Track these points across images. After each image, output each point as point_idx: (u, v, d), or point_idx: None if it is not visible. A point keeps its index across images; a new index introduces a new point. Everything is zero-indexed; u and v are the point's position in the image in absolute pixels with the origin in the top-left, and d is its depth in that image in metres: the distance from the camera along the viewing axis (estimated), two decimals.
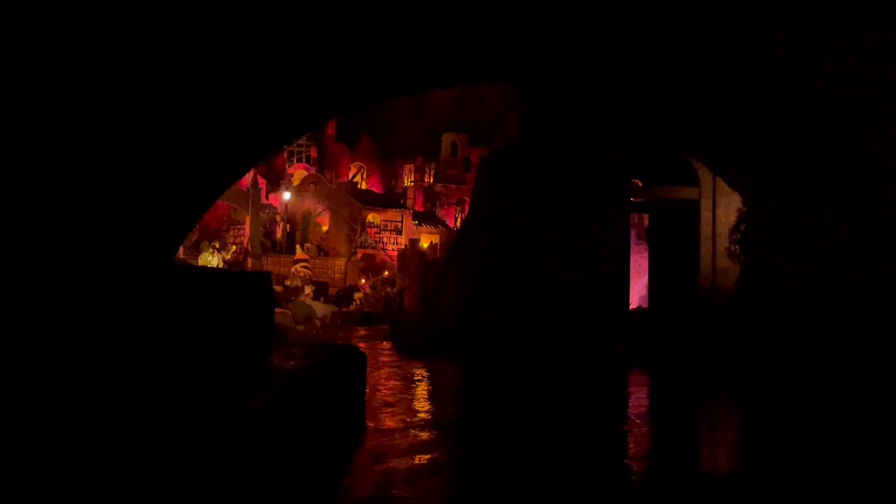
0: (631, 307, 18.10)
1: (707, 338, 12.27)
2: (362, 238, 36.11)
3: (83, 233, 5.65)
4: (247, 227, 32.62)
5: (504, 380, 11.39)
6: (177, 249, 7.26)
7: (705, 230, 16.86)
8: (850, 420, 7.78)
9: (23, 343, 4.65)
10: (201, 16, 5.54)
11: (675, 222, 18.07)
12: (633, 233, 20.14)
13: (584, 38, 7.84)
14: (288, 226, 35.33)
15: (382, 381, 10.82)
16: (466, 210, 30.85)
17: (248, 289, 6.18)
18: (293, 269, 29.27)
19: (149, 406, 4.48)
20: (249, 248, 31.09)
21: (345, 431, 6.43)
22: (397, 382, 10.98)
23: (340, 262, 33.88)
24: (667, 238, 18.63)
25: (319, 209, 36.52)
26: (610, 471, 6.25)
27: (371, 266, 34.63)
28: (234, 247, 31.14)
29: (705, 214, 16.91)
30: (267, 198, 36.47)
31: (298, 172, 40.76)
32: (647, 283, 20.76)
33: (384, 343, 17.12)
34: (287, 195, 35.71)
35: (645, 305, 20.26)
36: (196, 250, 29.36)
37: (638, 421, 8.93)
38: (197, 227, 35.13)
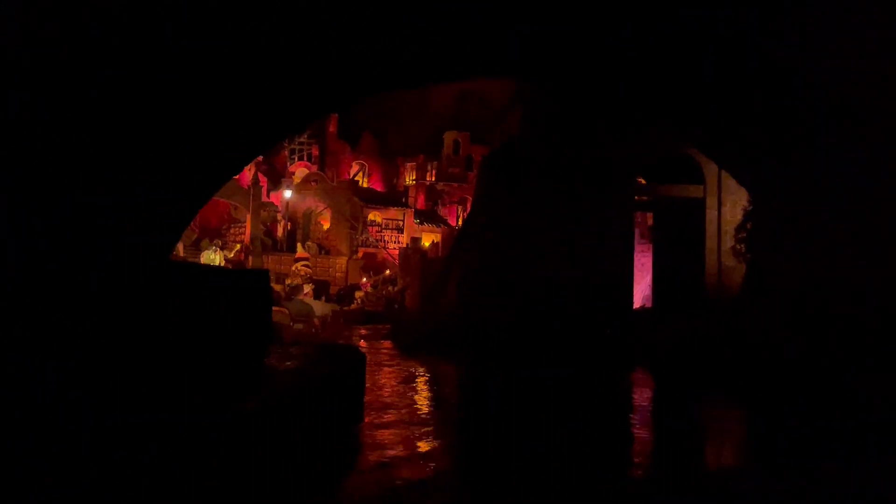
0: (634, 306, 18.03)
1: (712, 337, 12.22)
2: (364, 237, 36.09)
3: (83, 233, 5.64)
4: (247, 225, 32.60)
5: (505, 379, 11.37)
6: (173, 247, 7.25)
7: (710, 228, 16.80)
8: (854, 420, 7.76)
9: (23, 343, 4.65)
10: (201, 16, 5.53)
11: (679, 220, 18.02)
12: (636, 231, 20.06)
13: (585, 38, 7.82)
14: (289, 224, 35.31)
15: (383, 381, 10.79)
16: (468, 209, 30.83)
17: (244, 287, 6.16)
18: (294, 268, 29.26)
19: (141, 406, 4.46)
20: (250, 246, 31.08)
21: (343, 432, 6.41)
22: (398, 382, 10.95)
23: (342, 261, 33.86)
24: (671, 236, 18.59)
25: (321, 207, 36.49)
26: (610, 471, 6.22)
27: (372, 265, 34.60)
28: (238, 245, 31.13)
29: (711, 213, 16.86)
30: (268, 196, 36.43)
31: (300, 171, 40.71)
32: (650, 283, 20.71)
33: (385, 342, 17.07)
34: (288, 193, 35.68)
35: (648, 304, 20.21)
36: (196, 248, 29.36)
37: (639, 421, 8.91)
38: (197, 225, 35.12)
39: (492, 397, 9.98)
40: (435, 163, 42.49)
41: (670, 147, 16.57)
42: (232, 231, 34.76)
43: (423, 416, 8.25)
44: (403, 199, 40.26)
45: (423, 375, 12.04)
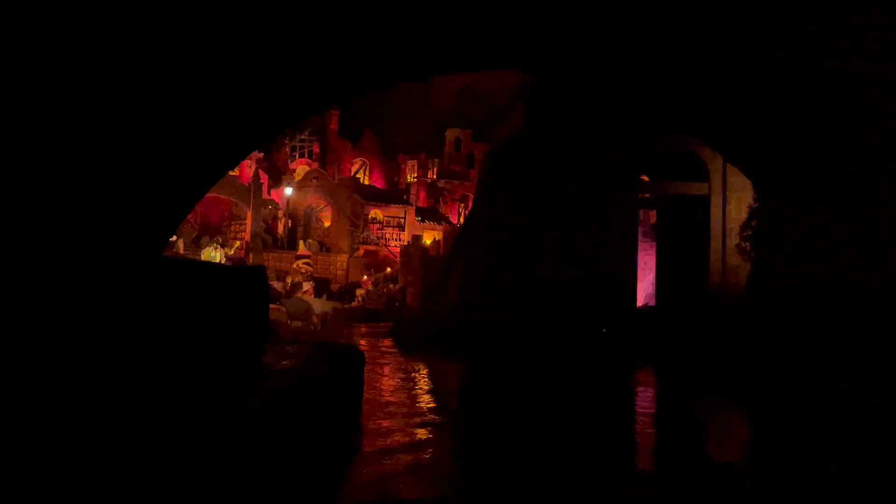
0: (637, 305, 18.00)
1: (715, 336, 12.18)
2: (365, 234, 36.08)
3: (82, 232, 5.62)
4: (248, 222, 32.60)
5: (506, 379, 11.33)
6: (167, 243, 7.21)
7: (715, 226, 16.72)
8: (856, 420, 7.76)
9: (22, 343, 4.64)
10: (202, 16, 5.52)
11: (683, 218, 17.94)
12: (639, 230, 19.98)
13: (585, 38, 7.80)
14: (289, 221, 35.30)
15: (383, 380, 10.76)
16: (470, 206, 30.80)
17: (240, 284, 6.11)
18: (295, 265, 29.26)
19: (137, 406, 4.45)
20: (251, 243, 31.08)
21: (341, 434, 6.39)
22: (398, 382, 10.94)
23: (342, 259, 33.86)
24: (675, 234, 18.52)
25: (321, 205, 36.48)
26: (611, 469, 6.21)
27: (373, 263, 34.59)
28: (238, 242, 31.15)
29: (715, 210, 16.77)
30: (269, 193, 36.43)
31: (301, 168, 40.72)
32: (653, 281, 20.66)
33: (386, 340, 17.06)
34: (289, 191, 35.67)
35: (651, 303, 20.15)
36: (197, 246, 29.38)
37: (641, 421, 8.89)
38: (198, 222, 35.16)
39: (493, 397, 9.95)
40: (436, 160, 42.47)
41: (674, 144, 16.50)
42: (232, 228, 34.77)
43: (424, 416, 8.19)
44: (405, 197, 40.25)
45: (423, 375, 12.02)
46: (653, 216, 22.51)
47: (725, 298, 15.56)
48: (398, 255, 32.18)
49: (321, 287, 26.91)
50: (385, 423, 7.30)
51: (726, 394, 10.41)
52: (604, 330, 14.00)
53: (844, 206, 9.69)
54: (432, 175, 42.34)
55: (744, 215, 15.44)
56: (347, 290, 29.64)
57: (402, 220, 37.70)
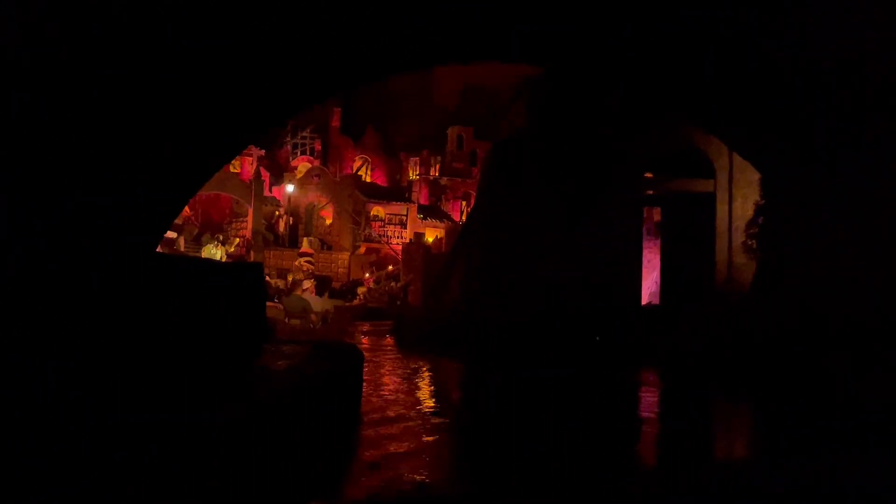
0: (641, 303, 17.90)
1: (721, 335, 12.09)
2: (366, 232, 36.02)
3: (82, 232, 5.59)
4: (249, 219, 32.56)
5: (508, 379, 11.27)
6: (161, 239, 7.15)
7: (721, 224, 16.50)
8: (860, 418, 7.74)
9: (22, 343, 4.62)
10: (201, 16, 5.49)
11: (688, 216, 17.71)
12: (643, 227, 19.84)
13: (587, 37, 7.76)
14: (291, 219, 35.24)
15: (384, 380, 10.71)
16: (472, 204, 30.72)
17: (235, 281, 6.05)
18: (296, 263, 29.22)
19: (131, 405, 4.41)
20: (252, 241, 31.03)
21: (340, 434, 6.32)
22: (399, 381, 10.87)
23: (344, 256, 33.81)
24: (680, 232, 18.31)
25: (323, 202, 36.42)
26: (612, 469, 6.17)
27: (375, 260, 34.53)
28: (237, 240, 31.12)
29: (721, 208, 16.55)
30: (270, 190, 36.38)
31: (302, 165, 40.65)
32: (657, 279, 20.55)
33: (387, 339, 17.02)
34: (290, 188, 35.61)
35: (655, 302, 20.05)
36: (198, 243, 29.35)
37: (644, 420, 8.84)
38: (199, 220, 35.13)
39: (494, 396, 9.89)
40: (438, 158, 42.37)
41: (678, 141, 16.34)
42: (234, 226, 34.74)
43: (425, 415, 8.14)
44: (407, 194, 40.17)
45: (425, 374, 11.96)
46: (657, 214, 22.42)
47: (731, 297, 15.42)
48: (400, 253, 32.11)
49: (323, 285, 26.86)
50: (386, 424, 7.23)
51: (731, 393, 10.33)
52: (597, 338, 13.90)
53: (847, 205, 9.65)
54: (434, 172, 42.24)
55: (750, 213, 15.24)
56: (349, 288, 29.58)
57: (404, 218, 37.63)
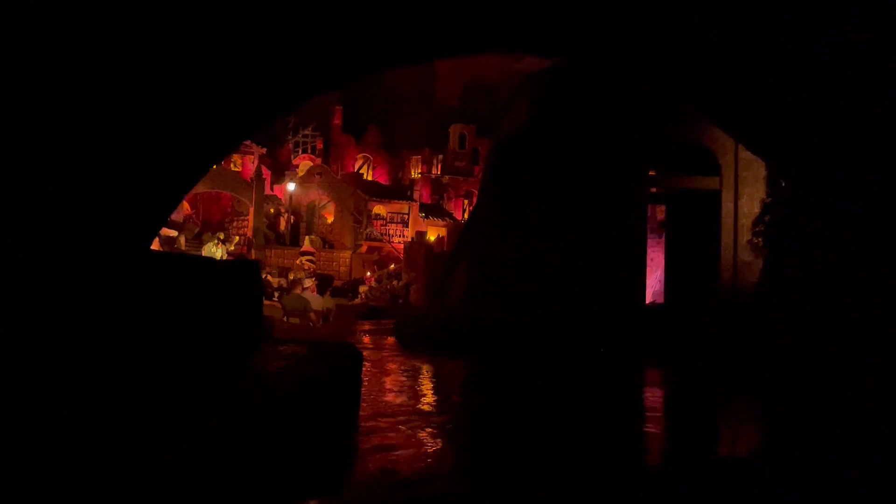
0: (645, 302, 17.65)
1: (727, 334, 11.93)
2: (368, 230, 35.82)
3: (71, 231, 5.39)
4: (250, 218, 32.39)
5: (511, 378, 11.10)
6: (153, 237, 6.99)
7: (727, 222, 16.26)
8: (867, 417, 7.66)
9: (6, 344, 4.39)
10: (194, 6, 5.29)
11: (693, 213, 17.52)
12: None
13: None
14: (292, 217, 35.05)
15: (385, 379, 10.52)
16: (474, 202, 30.50)
17: (229, 279, 5.77)
18: (298, 262, 29.01)
19: (106, 408, 4.16)
20: (253, 239, 30.83)
21: (337, 438, 6.06)
22: (400, 381, 10.68)
23: (345, 255, 33.63)
24: (684, 230, 18.12)
25: (324, 201, 36.23)
26: (618, 466, 6.03)
27: (377, 259, 34.36)
28: (237, 238, 30.90)
29: (727, 205, 16.28)
30: (271, 189, 36.21)
31: (303, 163, 40.50)
32: (660, 278, 20.31)
33: (389, 338, 16.84)
34: (292, 186, 35.42)
35: (659, 301, 19.82)
36: (199, 242, 29.13)
37: (650, 418, 8.73)
38: (200, 218, 34.96)
39: (497, 396, 9.71)
40: (440, 156, 42.19)
41: (684, 137, 16.13)
42: (235, 224, 34.57)
43: (426, 415, 7.93)
44: (408, 193, 39.92)
45: (426, 373, 11.76)
46: (660, 212, 22.16)
47: (737, 296, 15.25)
48: (402, 252, 31.90)
49: (324, 284, 26.61)
50: (387, 424, 7.03)
51: (738, 391, 10.23)
52: (601, 350, 13.67)
53: (857, 202, 9.51)
54: (436, 171, 42.06)
55: (756, 210, 15.08)
56: (351, 287, 29.37)
57: (406, 217, 37.42)
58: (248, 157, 37.89)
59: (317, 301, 16.00)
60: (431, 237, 35.16)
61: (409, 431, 6.78)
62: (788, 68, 8.29)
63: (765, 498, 3.73)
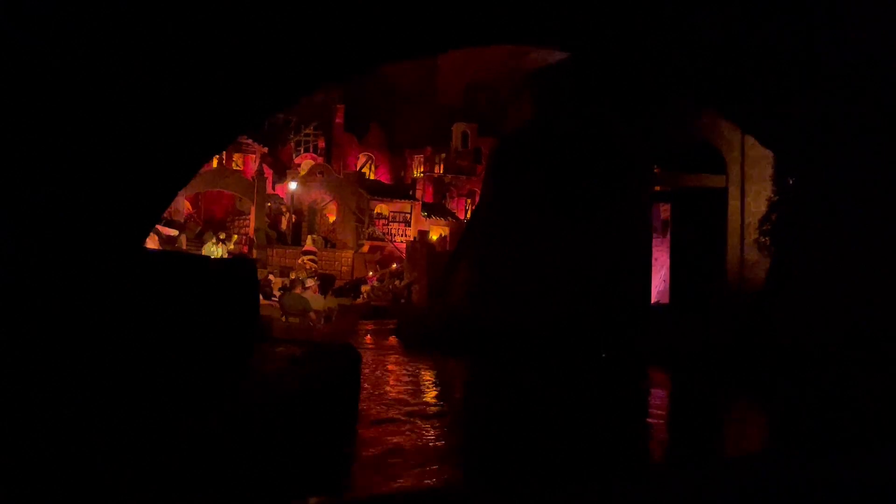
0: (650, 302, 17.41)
1: (734, 334, 11.76)
2: (370, 230, 35.63)
3: (63, 228, 5.26)
4: (252, 217, 32.24)
5: (513, 379, 11.00)
6: (146, 235, 6.88)
7: (733, 220, 16.04)
8: (874, 417, 7.60)
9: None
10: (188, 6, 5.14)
11: (698, 212, 17.28)
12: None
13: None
14: (294, 217, 34.88)
15: (386, 380, 10.41)
16: (477, 202, 30.30)
17: (225, 279, 5.58)
18: (299, 261, 28.84)
19: (95, 410, 4.02)
20: (254, 239, 30.66)
21: (335, 441, 5.87)
22: (401, 382, 10.60)
23: (347, 255, 33.45)
24: (689, 229, 17.87)
25: (326, 200, 36.05)
26: (621, 466, 6.04)
27: (379, 259, 34.19)
28: (235, 237, 30.71)
29: (733, 203, 16.06)
30: (273, 188, 36.07)
31: (305, 162, 40.33)
32: (664, 278, 20.05)
33: (391, 338, 16.72)
34: (293, 185, 35.28)
35: (663, 301, 19.55)
36: (200, 241, 28.97)
37: (653, 419, 8.70)
38: (201, 218, 34.83)
39: (499, 397, 9.61)
40: (443, 155, 41.97)
41: (689, 134, 15.90)
42: (236, 224, 34.43)
43: (428, 416, 7.82)
44: (411, 192, 39.71)
45: (428, 374, 11.65)
46: (664, 210, 21.89)
47: (743, 296, 15.01)
48: (404, 252, 31.71)
49: (325, 283, 26.42)
50: (388, 425, 6.96)
51: (740, 392, 10.19)
52: (602, 354, 13.48)
53: (860, 202, 9.42)
54: (439, 170, 41.84)
55: (763, 209, 14.84)
56: (352, 287, 29.19)
57: (408, 216, 37.22)
58: (249, 156, 37.76)
59: (317, 301, 15.82)
60: (434, 237, 34.95)
61: (410, 431, 6.74)
62: (788, 68, 8.16)
63: (764, 498, 3.69)
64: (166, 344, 5.19)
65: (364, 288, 28.69)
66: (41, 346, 4.48)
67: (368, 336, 17.23)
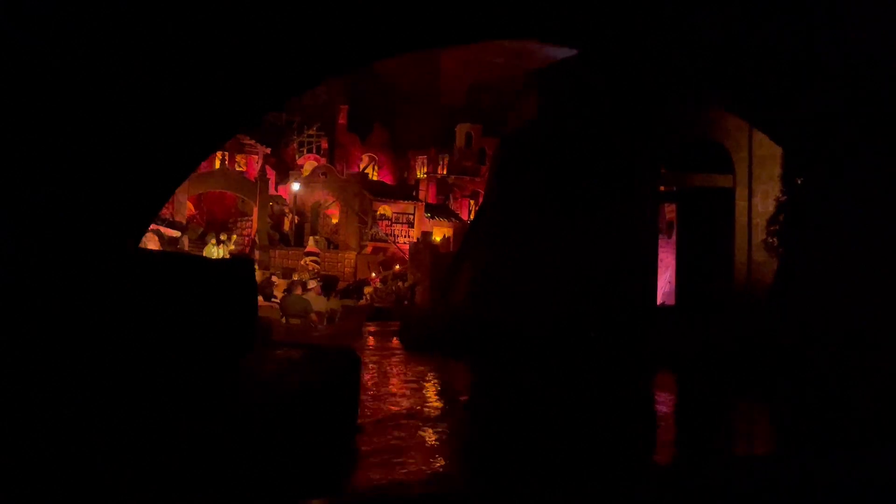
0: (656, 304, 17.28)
1: (741, 336, 11.63)
2: (373, 231, 35.52)
3: (56, 228, 5.19)
4: (254, 218, 32.16)
5: (516, 382, 10.87)
6: (141, 235, 6.81)
7: (740, 221, 15.84)
8: (881, 419, 7.55)
9: None
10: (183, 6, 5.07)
11: (705, 212, 17.10)
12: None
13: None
14: (297, 218, 34.79)
15: (389, 382, 10.32)
16: (480, 202, 30.22)
17: (219, 279, 5.47)
18: (302, 262, 28.74)
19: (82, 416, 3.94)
20: (257, 240, 30.55)
21: (335, 445, 5.77)
22: (404, 384, 10.45)
23: (350, 256, 33.35)
24: (696, 229, 17.70)
25: (329, 201, 35.95)
26: (626, 466, 6.02)
27: (382, 260, 34.09)
28: (235, 236, 30.59)
29: (740, 204, 15.85)
30: (276, 189, 36.00)
31: (308, 163, 40.24)
32: (670, 279, 19.91)
33: (394, 340, 16.60)
34: (296, 186, 35.18)
35: (669, 302, 19.42)
36: (203, 242, 28.88)
37: (659, 420, 8.67)
38: (204, 219, 34.77)
39: (502, 399, 9.50)
40: (446, 156, 41.85)
41: (695, 133, 15.75)
42: (239, 225, 34.35)
43: (430, 418, 7.72)
44: (414, 193, 39.59)
45: (431, 376, 11.50)
46: (669, 211, 21.76)
47: (751, 296, 14.86)
48: (407, 253, 31.60)
49: (328, 285, 26.31)
50: (389, 427, 6.88)
51: (740, 393, 10.12)
52: (592, 334, 13.34)
53: (863, 202, 9.37)
54: (442, 171, 41.73)
55: (771, 209, 14.64)
56: (356, 288, 29.10)
57: (412, 217, 37.11)
58: (252, 157, 37.69)
59: (319, 302, 15.67)
60: (437, 238, 34.83)
61: (411, 432, 6.71)
62: (789, 68, 8.12)
63: (764, 498, 3.69)
64: (165, 344, 5.13)
65: (367, 290, 28.58)
66: (41, 346, 4.44)
67: (371, 338, 17.11)
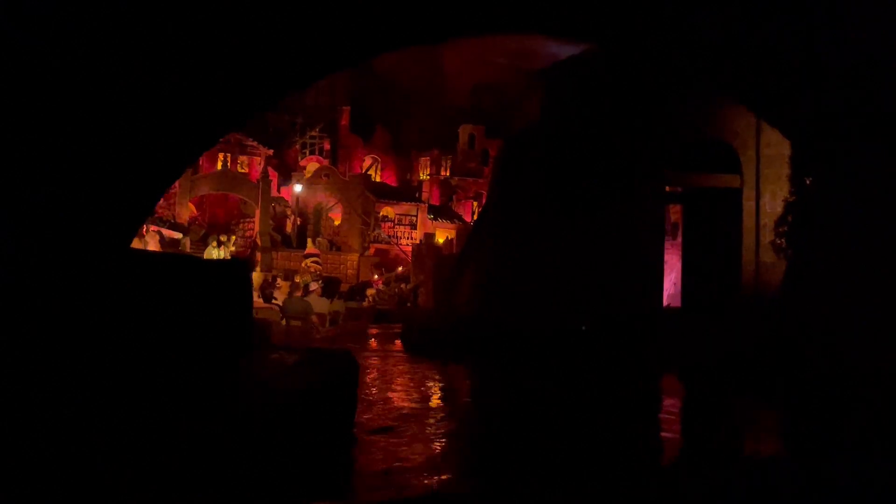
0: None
1: (749, 339, 11.53)
2: (376, 232, 35.48)
3: (57, 231, 5.15)
4: (256, 220, 32.13)
5: (520, 385, 10.71)
6: (133, 235, 6.77)
7: (748, 222, 15.65)
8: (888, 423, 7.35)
9: None
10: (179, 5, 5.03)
11: (711, 213, 16.95)
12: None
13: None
14: (299, 219, 34.76)
15: (391, 385, 10.21)
16: (484, 204, 30.14)
17: (215, 280, 5.40)
18: (303, 264, 28.69)
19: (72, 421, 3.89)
20: (259, 241, 30.52)
21: (332, 451, 5.68)
22: (406, 387, 10.32)
23: (353, 258, 33.30)
24: (702, 230, 17.56)
25: (332, 202, 35.91)
26: (631, 469, 5.89)
27: (384, 261, 34.03)
28: (234, 237, 30.57)
29: (748, 204, 15.60)
30: (278, 190, 36.00)
31: (311, 165, 40.23)
32: (674, 281, 19.79)
33: (396, 342, 16.52)
34: (298, 188, 35.18)
35: (674, 304, 19.29)
36: (204, 244, 28.87)
37: (665, 423, 8.55)
38: (206, 220, 34.75)
39: (506, 402, 9.38)
40: (450, 157, 41.83)
41: (701, 131, 15.62)
42: (241, 226, 34.35)
43: (432, 422, 7.62)
44: (417, 194, 39.60)
45: (433, 379, 11.40)
46: (674, 212, 21.63)
47: (759, 299, 14.73)
48: (410, 254, 31.54)
49: (330, 287, 26.25)
50: (391, 430, 6.78)
51: (758, 399, 9.91)
52: (583, 328, 13.23)
53: (878, 203, 9.10)
54: (445, 172, 41.70)
55: (779, 209, 14.47)
56: (358, 290, 29.05)
57: (415, 218, 37.07)
58: (254, 158, 37.70)
59: (320, 304, 15.61)
60: (440, 239, 34.76)
61: (415, 438, 6.62)
62: (789, 68, 8.08)
63: (764, 498, 3.70)
64: (163, 344, 5.09)
65: (370, 291, 28.53)
66: (41, 346, 4.45)
67: (373, 340, 17.01)
